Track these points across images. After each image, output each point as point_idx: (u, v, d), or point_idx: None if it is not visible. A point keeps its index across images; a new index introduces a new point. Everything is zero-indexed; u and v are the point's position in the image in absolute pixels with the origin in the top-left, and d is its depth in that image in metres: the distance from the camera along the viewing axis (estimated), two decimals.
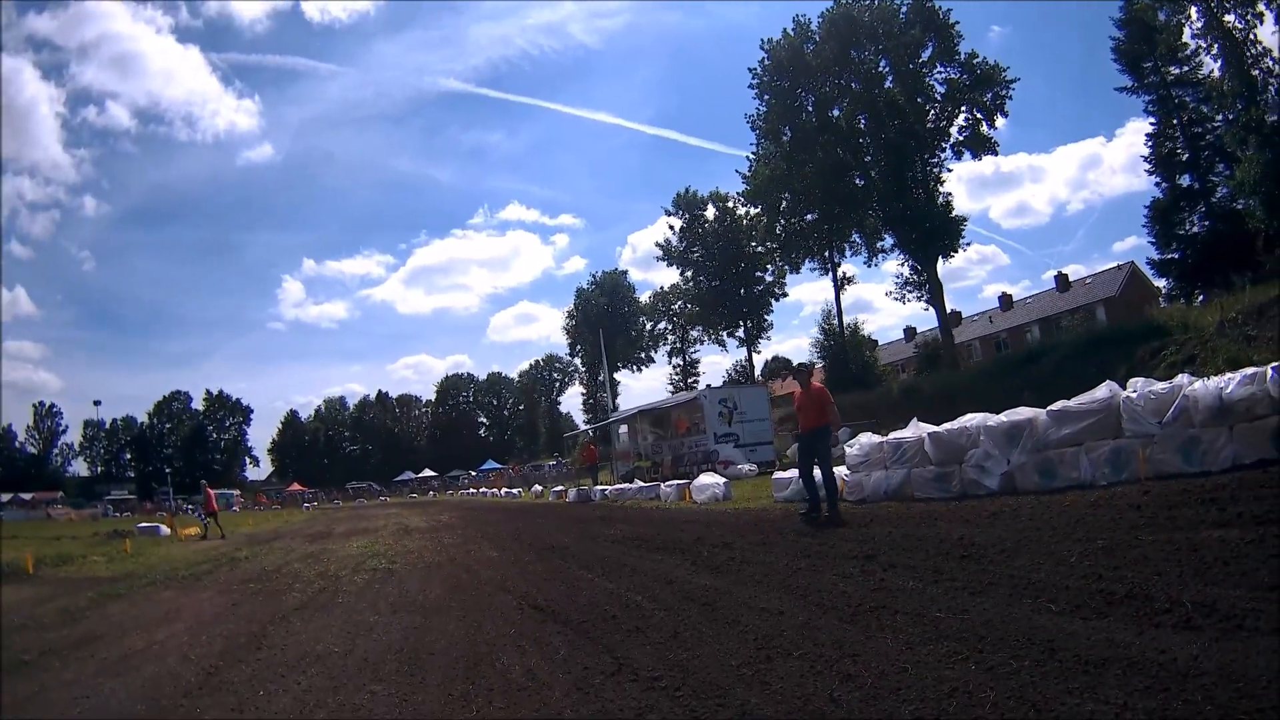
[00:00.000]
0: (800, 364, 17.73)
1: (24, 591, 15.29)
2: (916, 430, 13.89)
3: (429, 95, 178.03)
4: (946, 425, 13.42)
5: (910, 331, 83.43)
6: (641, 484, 28.42)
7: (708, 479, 21.71)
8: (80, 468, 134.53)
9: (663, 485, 25.07)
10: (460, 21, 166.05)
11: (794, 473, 16.32)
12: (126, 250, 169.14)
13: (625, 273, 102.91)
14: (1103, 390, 11.44)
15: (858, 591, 7.08)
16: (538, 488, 49.06)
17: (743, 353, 78.93)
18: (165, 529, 32.20)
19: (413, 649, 7.12)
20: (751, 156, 60.38)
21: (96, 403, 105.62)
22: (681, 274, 79.15)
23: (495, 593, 9.87)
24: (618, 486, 31.06)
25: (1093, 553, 7.07)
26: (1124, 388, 11.25)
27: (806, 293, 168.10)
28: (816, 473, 12.89)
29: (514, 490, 54.54)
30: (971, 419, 13.03)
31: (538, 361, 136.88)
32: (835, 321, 64.62)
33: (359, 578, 12.66)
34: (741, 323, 76.35)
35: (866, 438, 15.02)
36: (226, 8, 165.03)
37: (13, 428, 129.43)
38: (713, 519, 15.91)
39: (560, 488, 42.05)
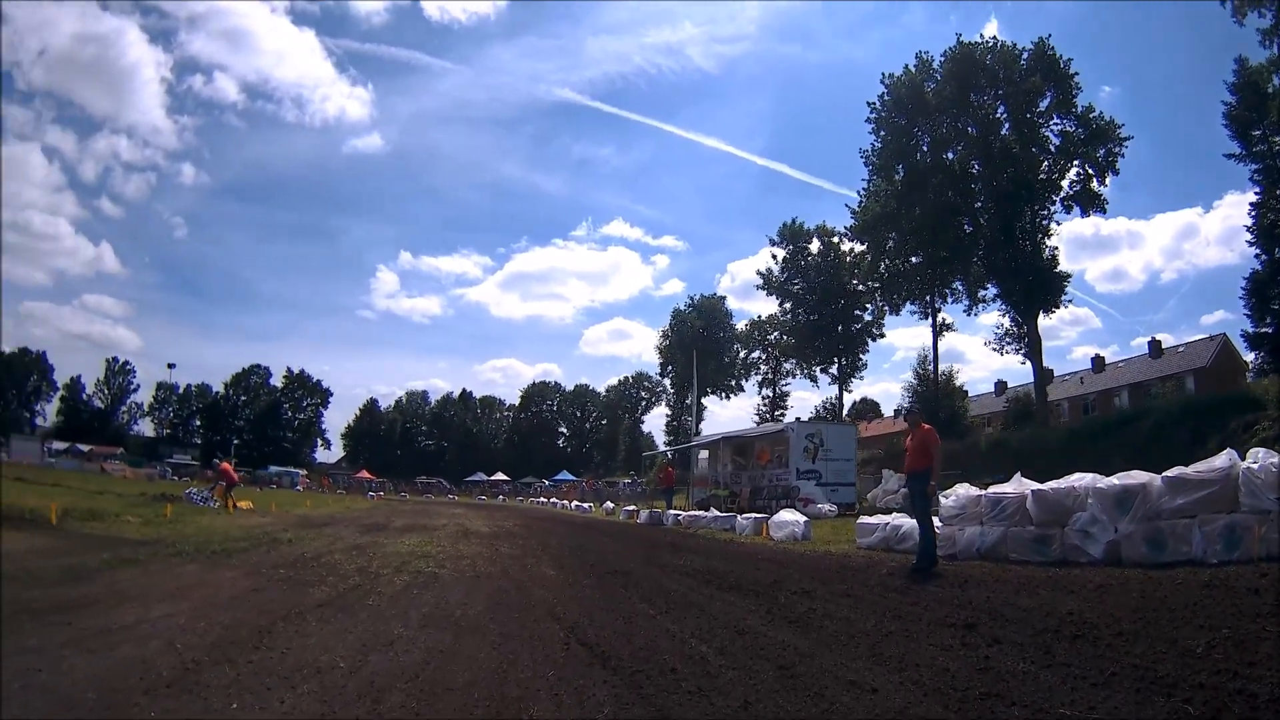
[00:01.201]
0: (911, 405, 16.83)
1: (36, 541, 14.69)
2: (1019, 486, 13.02)
3: (542, 103, 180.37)
4: (1052, 484, 12.54)
5: (1001, 385, 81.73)
6: (717, 513, 27.70)
7: (787, 516, 20.99)
8: (147, 428, 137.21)
9: (739, 517, 24.41)
10: (578, 32, 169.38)
11: (882, 519, 15.66)
12: (221, 222, 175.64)
13: (723, 298, 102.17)
14: (1222, 459, 10.58)
15: (961, 670, 6.20)
16: (609, 504, 48.84)
17: (833, 390, 77.62)
18: (215, 500, 31.45)
19: (430, 678, 6.15)
20: (862, 192, 59.60)
21: (170, 365, 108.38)
22: (780, 304, 77.85)
23: (543, 619, 8.80)
24: (692, 513, 30.37)
25: (1220, 644, 6.29)
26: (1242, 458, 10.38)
27: (900, 338, 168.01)
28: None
29: (585, 504, 54.62)
30: (1080, 479, 12.15)
31: (627, 378, 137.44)
32: (930, 367, 63.48)
33: (399, 579, 11.72)
34: (836, 359, 74.81)
35: (964, 489, 14.17)
36: None
37: (81, 379, 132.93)
38: (792, 560, 15.12)
39: (632, 507, 41.67)
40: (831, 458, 33.33)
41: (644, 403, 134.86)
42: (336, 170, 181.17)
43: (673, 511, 32.08)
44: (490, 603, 9.89)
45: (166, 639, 7.09)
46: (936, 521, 13.12)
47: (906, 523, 14.68)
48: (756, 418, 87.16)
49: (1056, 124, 51.59)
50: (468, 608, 9.41)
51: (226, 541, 16.52)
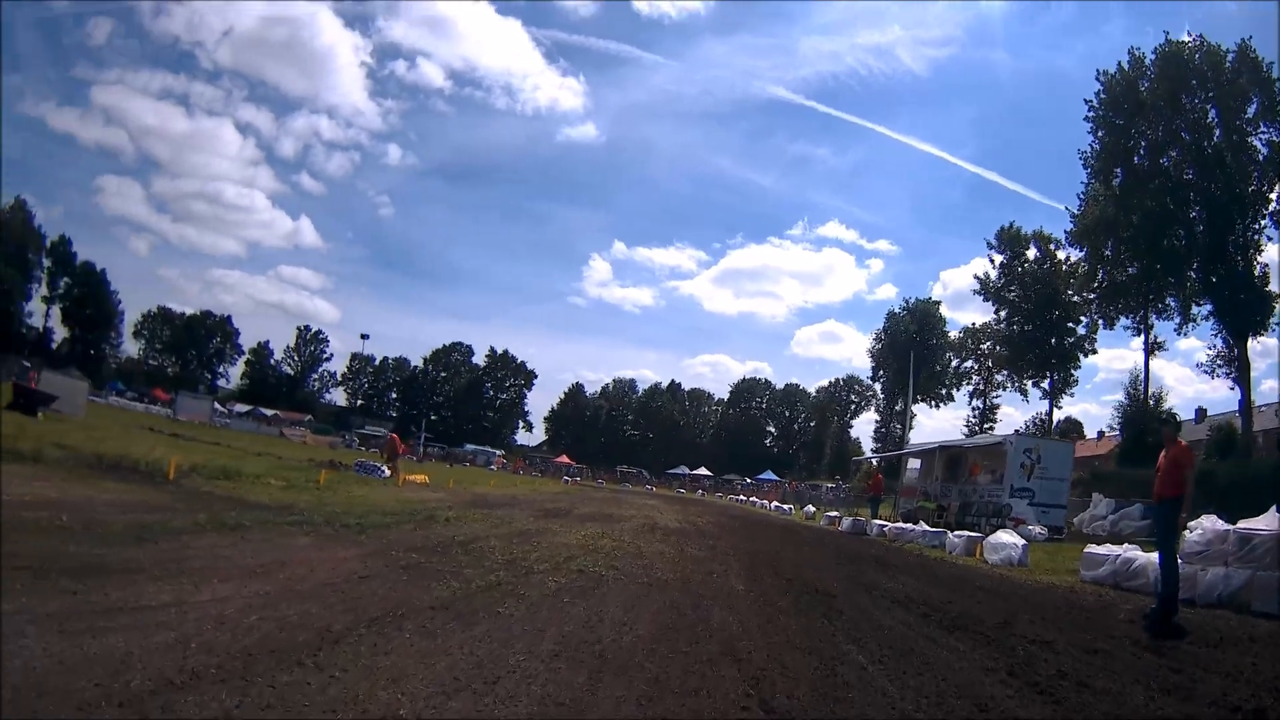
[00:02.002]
0: (1169, 416, 15.02)
1: (131, 494, 13.12)
2: (1272, 523, 11.68)
3: (755, 100, 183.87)
4: None
5: (1201, 412, 76.15)
6: (926, 527, 26.69)
7: (1006, 537, 19.99)
8: (339, 397, 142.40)
9: (950, 534, 23.39)
10: (792, 31, 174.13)
11: (1112, 549, 14.51)
12: (427, 201, 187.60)
13: (938, 303, 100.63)
14: None
15: None
16: (810, 508, 48.06)
17: (1042, 405, 74.34)
18: (386, 470, 31.19)
19: None
20: (1080, 196, 57.26)
21: (364, 336, 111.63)
22: (995, 312, 75.31)
23: (718, 659, 6.49)
24: (898, 525, 29.26)
25: None
26: None
27: (1102, 358, 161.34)
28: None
29: (785, 506, 53.87)
30: None
31: (837, 380, 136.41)
32: (1140, 388, 60.67)
33: (553, 579, 9.80)
34: (1048, 373, 71.59)
35: (1211, 522, 12.59)
36: None
37: (270, 344, 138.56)
38: (1014, 591, 14.04)
39: (834, 513, 40.60)
40: (1046, 476, 31.42)
41: (853, 406, 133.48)
42: (549, 158, 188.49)
43: (878, 521, 31.11)
44: (655, 625, 7.78)
45: (185, 633, 5.38)
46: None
47: (1140, 557, 13.67)
48: (965, 429, 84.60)
49: (1264, 133, 47.95)
50: (624, 631, 7.30)
51: (371, 514, 15.21)
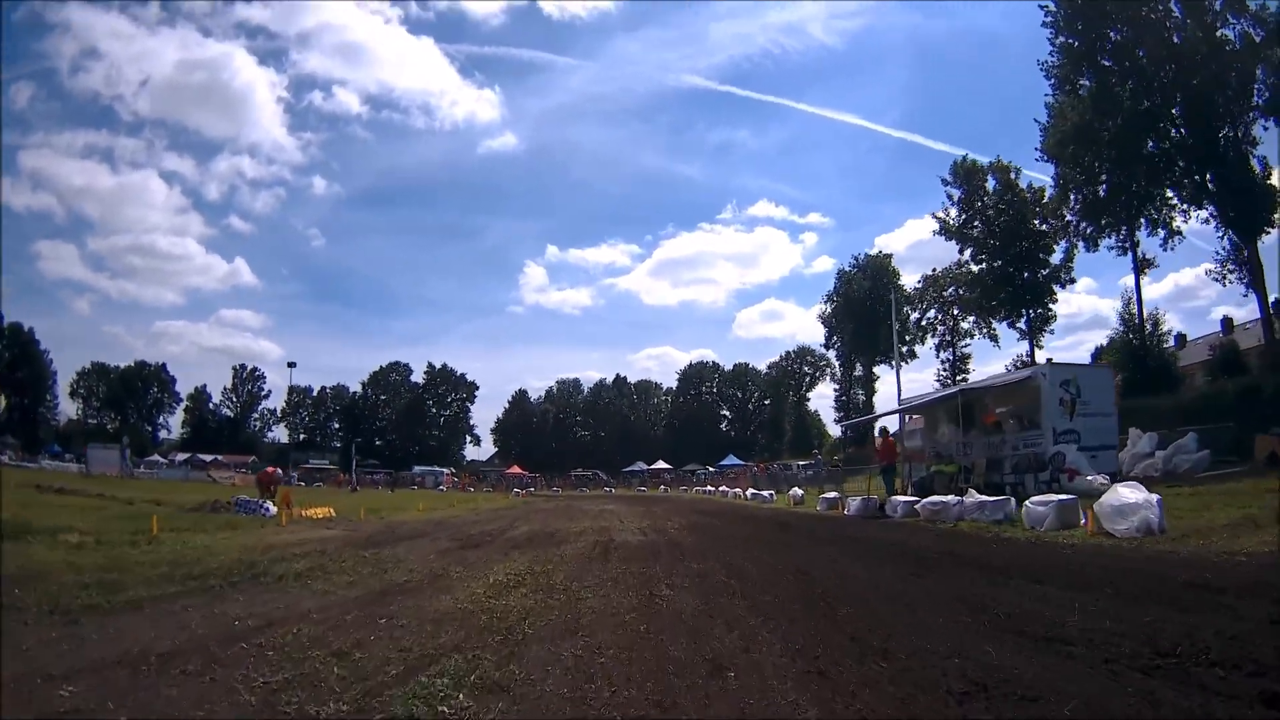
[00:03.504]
0: None
1: None
2: None
3: (673, 91, 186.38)
4: None
5: (1228, 323, 69.90)
6: (968, 497, 19.37)
7: (1129, 494, 13.27)
8: (283, 434, 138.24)
9: (1030, 505, 16.18)
10: (699, 20, 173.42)
11: None
12: (358, 230, 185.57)
13: (889, 256, 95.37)
14: None
15: None
16: (797, 491, 39.68)
17: (1017, 349, 69.16)
18: (272, 508, 26.20)
19: None
20: (1046, 109, 52.92)
21: (291, 365, 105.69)
22: (960, 252, 70.28)
23: None
24: (931, 499, 21.44)
25: None
26: None
27: (1079, 301, 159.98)
28: None
29: (765, 493, 46.33)
30: None
31: (788, 353, 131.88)
32: (1135, 310, 55.09)
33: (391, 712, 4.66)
34: (1024, 310, 66.33)
35: None
36: (457, 1, 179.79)
37: (207, 388, 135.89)
38: (1204, 591, 7.87)
39: (832, 493, 32.97)
40: (1089, 412, 25.14)
41: (808, 379, 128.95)
42: (473, 171, 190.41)
43: (901, 498, 23.77)
44: None
45: None
46: None
47: None
48: (937, 384, 79.79)
49: (1234, 23, 43.93)
50: None
51: (173, 577, 10.76)
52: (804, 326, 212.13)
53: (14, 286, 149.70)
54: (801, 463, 77.57)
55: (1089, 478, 21.33)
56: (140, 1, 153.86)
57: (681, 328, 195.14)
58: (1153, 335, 54.79)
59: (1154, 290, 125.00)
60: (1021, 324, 67.38)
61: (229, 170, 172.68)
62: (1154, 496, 13.12)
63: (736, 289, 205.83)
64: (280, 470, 30.73)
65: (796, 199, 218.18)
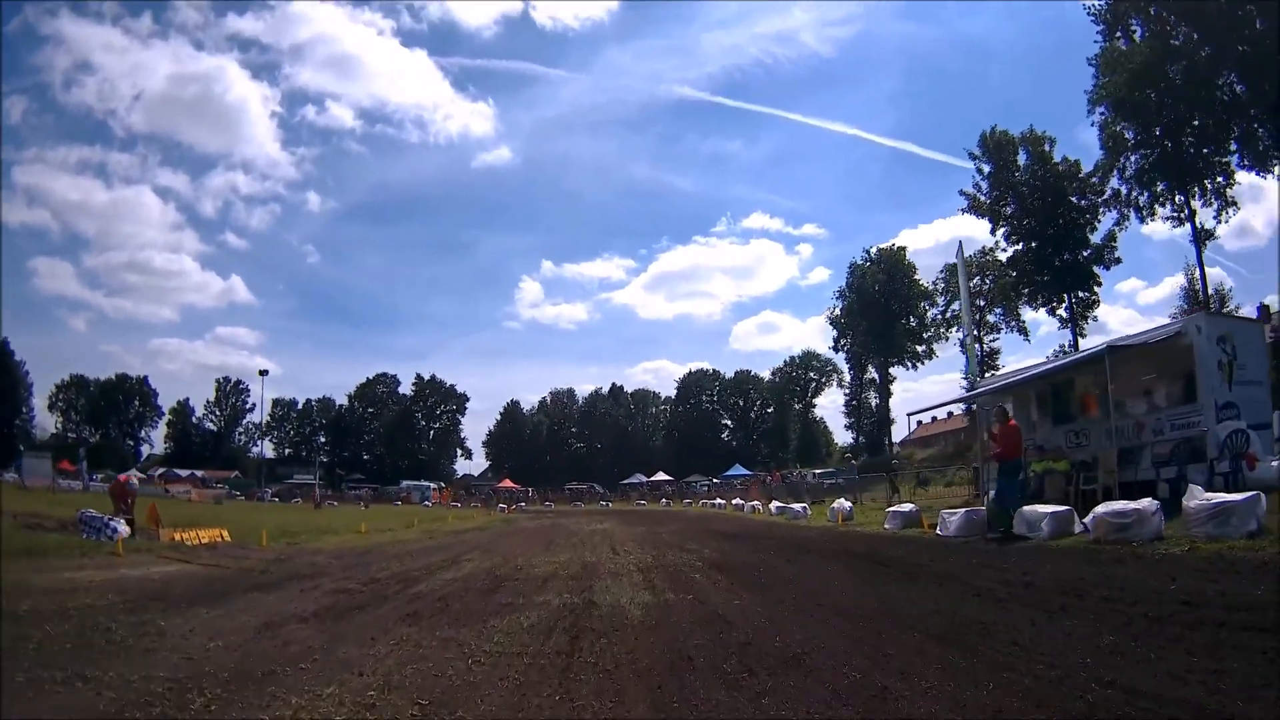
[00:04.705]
0: None
1: None
2: None
3: (664, 102, 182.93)
4: None
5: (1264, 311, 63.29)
6: (1197, 499, 11.73)
7: None
8: (269, 449, 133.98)
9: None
10: (690, 30, 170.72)
11: None
12: (353, 245, 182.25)
13: (903, 248, 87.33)
14: None
15: None
16: (844, 504, 29.57)
17: (1046, 344, 63.07)
18: (123, 527, 19.97)
19: None
20: (1092, 63, 48.74)
21: (263, 373, 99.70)
22: (992, 230, 63.84)
23: None
24: (1113, 508, 13.45)
25: None
26: None
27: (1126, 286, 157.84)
28: None
29: (796, 506, 35.87)
30: None
31: (793, 358, 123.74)
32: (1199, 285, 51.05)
33: None
34: (1066, 295, 60.02)
35: None
36: (449, 13, 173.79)
37: (190, 402, 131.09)
38: None
39: (907, 507, 23.79)
40: (1245, 379, 18.30)
41: (814, 385, 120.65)
42: (467, 186, 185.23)
43: (1047, 508, 15.24)
44: None
45: None
46: None
47: None
48: (964, 384, 71.55)
49: None
50: None
51: None
52: (801, 338, 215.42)
53: (10, 305, 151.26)
54: (818, 471, 70.43)
55: (1274, 463, 15.40)
56: (133, 15, 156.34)
57: (678, 341, 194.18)
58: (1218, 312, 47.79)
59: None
60: (1062, 311, 61.17)
61: (223, 186, 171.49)
62: None
63: (733, 302, 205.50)
64: (136, 479, 24.06)
65: (791, 210, 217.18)
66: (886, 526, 22.09)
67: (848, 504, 30.05)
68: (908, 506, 23.86)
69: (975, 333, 67.64)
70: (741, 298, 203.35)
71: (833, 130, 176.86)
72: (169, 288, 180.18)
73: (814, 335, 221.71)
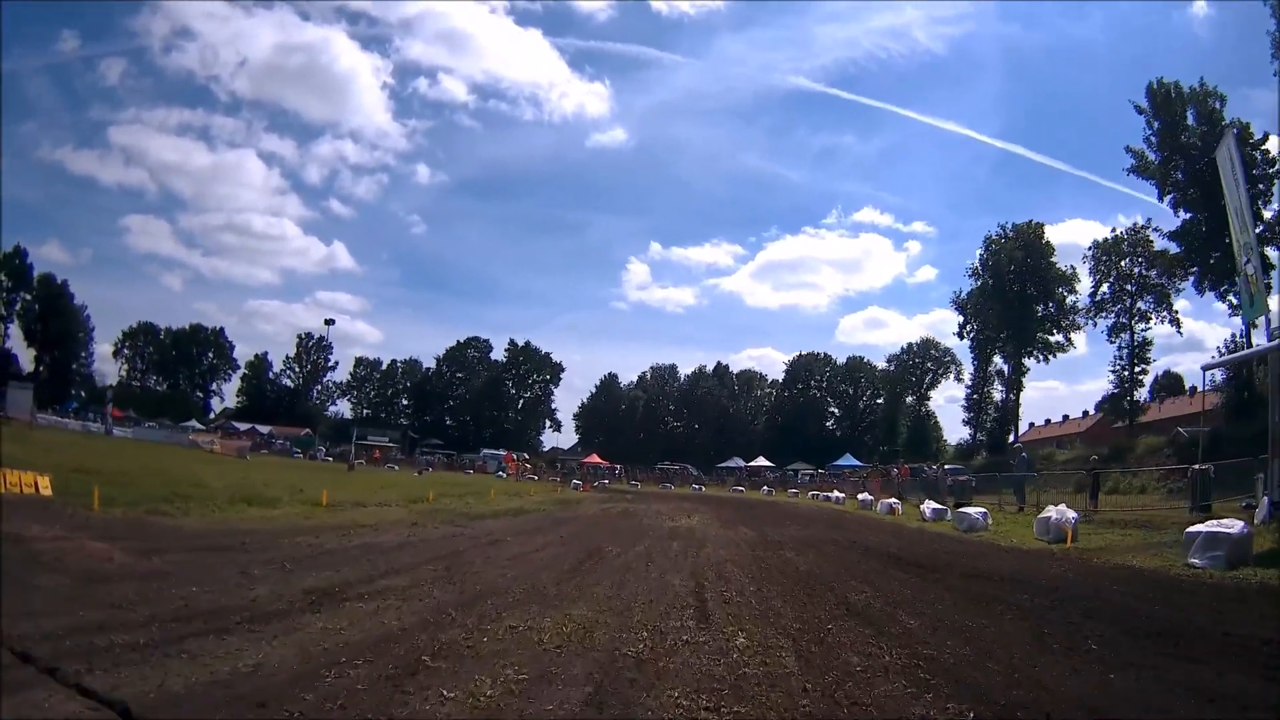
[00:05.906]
0: None
1: None
2: None
3: (777, 92, 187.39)
4: None
5: None
6: None
7: None
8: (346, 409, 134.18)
9: None
10: (805, 21, 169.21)
11: None
12: (460, 218, 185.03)
13: (1041, 225, 79.46)
14: None
15: None
16: (1067, 512, 20.48)
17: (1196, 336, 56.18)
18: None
19: None
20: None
21: (329, 322, 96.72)
22: (1160, 197, 56.16)
23: None
24: None
25: None
26: None
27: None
28: None
29: (972, 512, 25.52)
30: None
31: (910, 345, 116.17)
32: None
33: None
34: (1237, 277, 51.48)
35: None
36: None
37: (269, 356, 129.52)
38: None
39: (1237, 525, 14.35)
40: None
41: (930, 375, 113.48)
42: (580, 165, 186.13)
43: None
44: None
45: None
46: None
47: None
48: (1112, 380, 67.60)
49: None
50: None
51: None
52: (906, 335, 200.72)
53: (101, 261, 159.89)
54: (949, 467, 63.64)
55: None
56: None
57: (783, 332, 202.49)
58: None
59: None
60: (1233, 297, 51.49)
61: (331, 154, 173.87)
62: None
63: (840, 295, 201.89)
64: None
65: (901, 206, 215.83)
66: (1193, 561, 13.81)
67: (1071, 513, 20.58)
68: (1236, 525, 14.28)
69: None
70: (849, 291, 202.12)
71: (944, 129, 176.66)
72: (267, 250, 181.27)
73: (920, 334, 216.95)
